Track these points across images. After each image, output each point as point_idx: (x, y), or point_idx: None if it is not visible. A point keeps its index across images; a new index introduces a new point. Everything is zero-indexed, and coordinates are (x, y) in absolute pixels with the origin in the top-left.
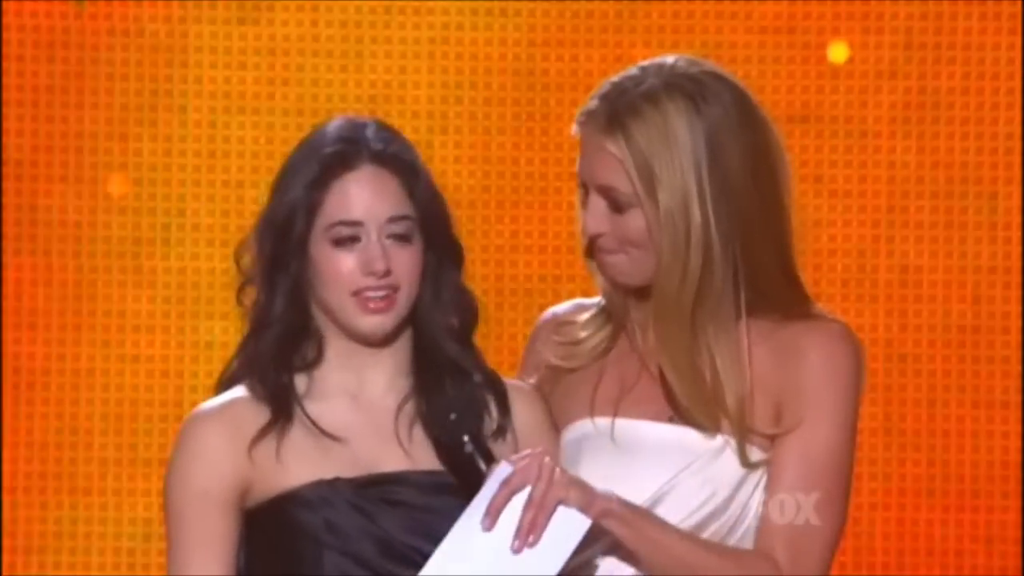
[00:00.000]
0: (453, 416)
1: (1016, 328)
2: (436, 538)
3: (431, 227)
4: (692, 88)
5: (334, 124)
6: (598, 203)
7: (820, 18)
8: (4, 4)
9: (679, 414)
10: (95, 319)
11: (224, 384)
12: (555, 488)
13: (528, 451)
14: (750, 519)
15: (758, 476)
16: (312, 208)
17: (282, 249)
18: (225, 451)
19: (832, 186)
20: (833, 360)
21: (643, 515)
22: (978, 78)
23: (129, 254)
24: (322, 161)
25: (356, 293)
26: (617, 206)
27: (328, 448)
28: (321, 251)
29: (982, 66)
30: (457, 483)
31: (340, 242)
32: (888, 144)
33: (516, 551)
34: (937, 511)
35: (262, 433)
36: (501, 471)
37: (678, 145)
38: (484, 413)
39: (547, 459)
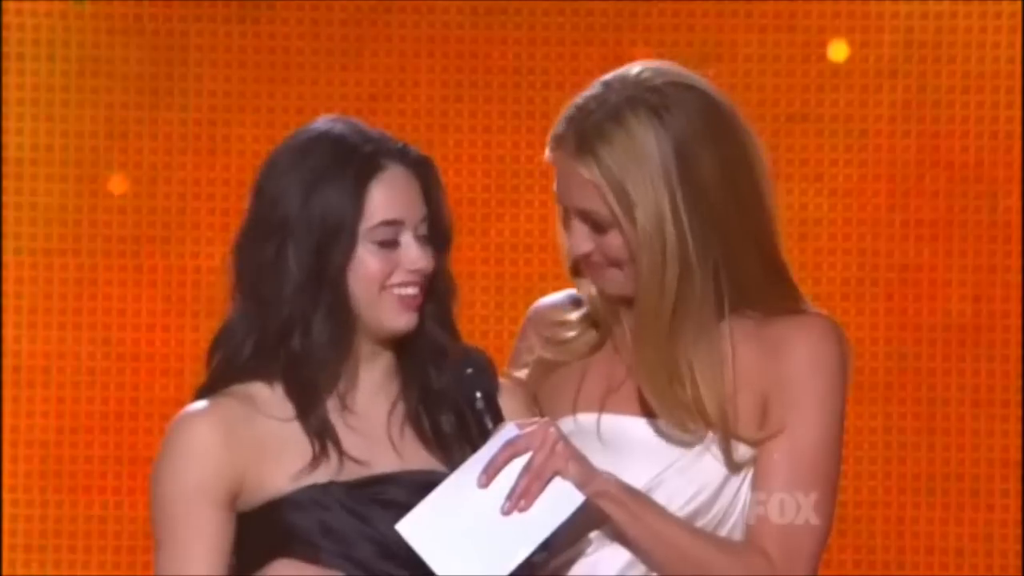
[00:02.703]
0: (470, 371)
1: (1016, 327)
2: None
3: (435, 220)
4: (655, 100)
5: (334, 126)
6: (579, 226)
7: (820, 17)
8: (4, 4)
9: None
10: (95, 317)
11: (211, 388)
12: (555, 459)
13: (537, 419)
14: (736, 516)
15: (744, 473)
16: (358, 215)
17: (327, 263)
18: (218, 448)
19: (832, 185)
20: (818, 354)
21: (641, 500)
22: (978, 78)
23: (129, 253)
24: (356, 165)
25: (386, 288)
26: (598, 227)
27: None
28: (358, 252)
29: (982, 66)
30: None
31: (384, 243)
32: (888, 143)
33: (505, 513)
34: (937, 511)
35: (309, 467)
36: (506, 432)
37: (647, 162)
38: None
39: (553, 430)
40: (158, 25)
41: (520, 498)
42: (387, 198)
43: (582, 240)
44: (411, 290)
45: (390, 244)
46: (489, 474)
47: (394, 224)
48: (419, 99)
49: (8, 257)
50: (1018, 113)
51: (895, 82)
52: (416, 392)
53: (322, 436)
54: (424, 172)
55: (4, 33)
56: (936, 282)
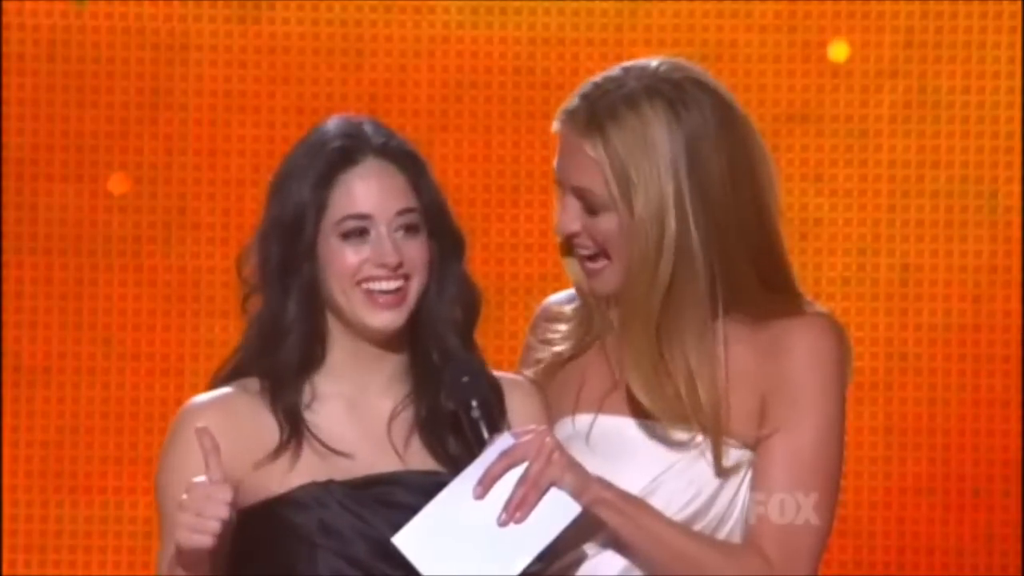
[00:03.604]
0: (466, 379)
1: (1016, 327)
2: None
3: (434, 218)
4: (673, 94)
5: (331, 123)
6: (572, 203)
7: (820, 17)
8: (4, 4)
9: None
10: (95, 317)
11: (222, 380)
12: (551, 468)
13: (533, 427)
14: (735, 519)
15: (742, 475)
16: (320, 206)
17: (292, 251)
18: (219, 439)
19: (832, 185)
20: (818, 354)
21: (638, 505)
22: (978, 78)
23: (130, 252)
24: (326, 158)
25: (361, 282)
26: (591, 208)
27: (324, 454)
28: (329, 245)
29: (982, 66)
30: (456, 453)
31: (348, 235)
32: (888, 143)
33: (502, 524)
34: (937, 511)
35: (275, 455)
36: (502, 442)
37: (656, 151)
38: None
39: (549, 439)
40: (158, 25)
41: (517, 509)
42: (354, 192)
43: (572, 218)
44: (383, 284)
45: (358, 238)
46: (485, 485)
47: (360, 218)
48: (419, 99)
49: (8, 257)
50: (1018, 113)
51: (895, 82)
52: (426, 402)
53: (290, 420)
54: (410, 166)
55: (4, 33)
56: (936, 282)
